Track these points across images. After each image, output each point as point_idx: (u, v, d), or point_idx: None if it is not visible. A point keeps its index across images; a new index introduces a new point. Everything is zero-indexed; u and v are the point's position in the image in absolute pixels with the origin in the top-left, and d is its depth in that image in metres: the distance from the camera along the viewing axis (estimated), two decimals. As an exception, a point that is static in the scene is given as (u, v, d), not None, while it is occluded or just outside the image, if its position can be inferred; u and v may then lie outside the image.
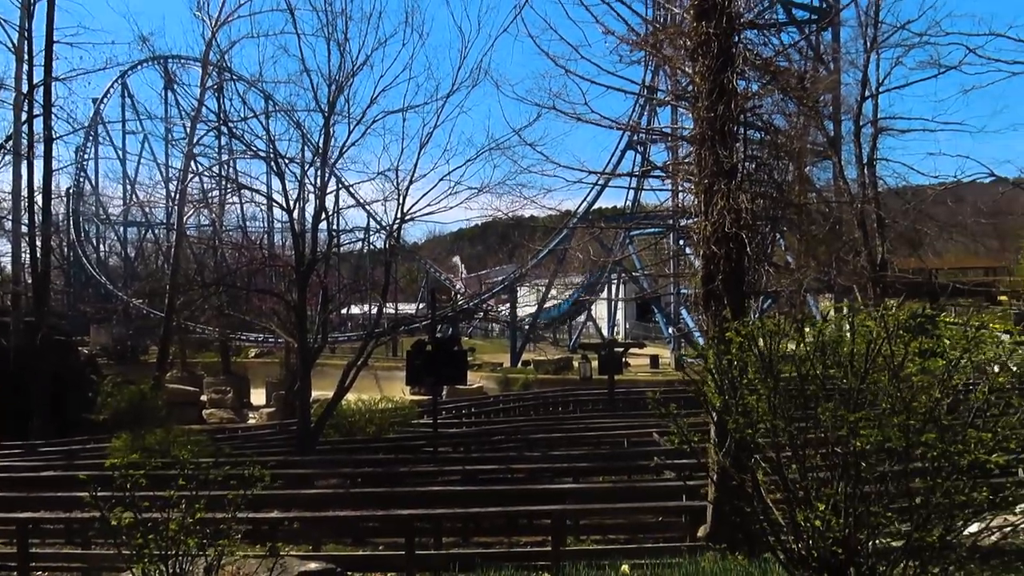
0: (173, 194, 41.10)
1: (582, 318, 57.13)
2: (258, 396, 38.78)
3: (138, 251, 63.23)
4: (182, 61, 42.75)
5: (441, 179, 19.52)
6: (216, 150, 32.28)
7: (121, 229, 63.62)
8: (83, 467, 13.15)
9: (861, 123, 22.95)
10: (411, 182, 19.11)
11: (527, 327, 51.33)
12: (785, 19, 29.78)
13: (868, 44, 22.59)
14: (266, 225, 50.30)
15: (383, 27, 19.10)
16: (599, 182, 31.80)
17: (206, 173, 29.33)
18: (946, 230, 23.76)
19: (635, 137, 36.89)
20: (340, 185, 26.70)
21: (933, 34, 20.96)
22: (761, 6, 15.20)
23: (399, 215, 19.40)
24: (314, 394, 20.50)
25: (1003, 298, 46.20)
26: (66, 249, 57.96)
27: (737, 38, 9.47)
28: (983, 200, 23.25)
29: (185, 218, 34.31)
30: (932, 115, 22.50)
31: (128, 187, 61.34)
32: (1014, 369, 5.46)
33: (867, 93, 22.90)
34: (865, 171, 22.85)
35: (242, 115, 21.72)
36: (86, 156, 59.12)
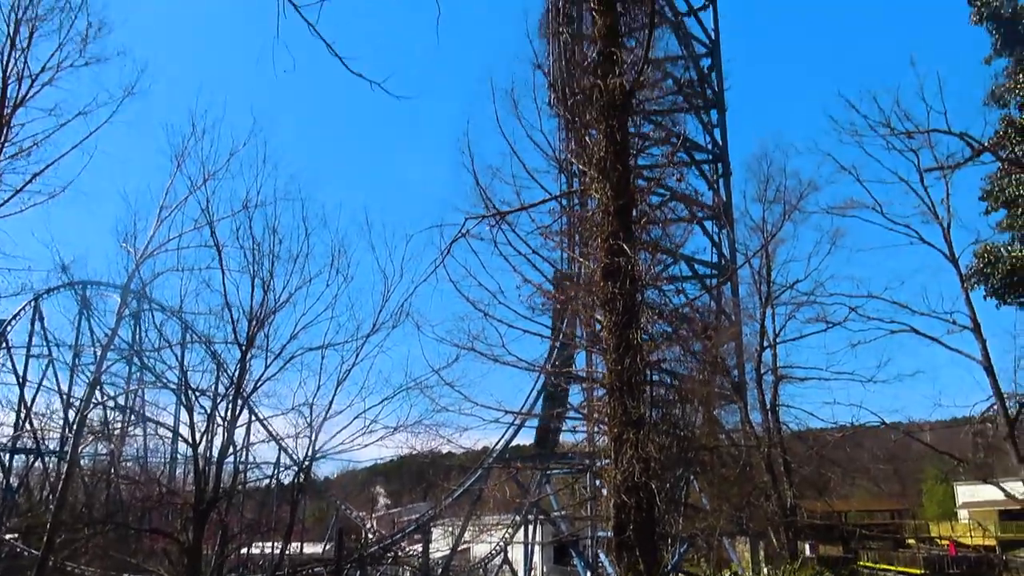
0: (71, 422, 39.09)
1: (498, 561, 54.63)
2: (135, 651, 34.55)
3: (22, 481, 58.51)
4: (101, 288, 42.54)
5: (356, 417, 19.39)
6: (124, 379, 31.39)
7: (6, 456, 59.24)
8: None
9: (762, 371, 24.28)
10: (325, 419, 18.93)
11: (440, 571, 48.57)
12: (689, 274, 32.33)
13: (763, 300, 24.59)
14: (168, 456, 47.76)
15: (309, 267, 19.78)
16: (516, 421, 31.98)
17: (110, 402, 28.26)
18: (848, 474, 24.57)
19: (551, 378, 37.81)
20: (252, 418, 26.08)
21: (819, 294, 23.19)
22: (664, 264, 16.56)
23: (311, 452, 18.98)
24: (200, 650, 18.55)
25: (911, 541, 46.88)
26: (-61, 478, 53.19)
27: (641, 297, 10.26)
28: (879, 446, 24.36)
29: (80, 448, 32.42)
30: (826, 365, 24.18)
31: (23, 412, 58.08)
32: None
33: (766, 343, 24.49)
34: (769, 416, 23.84)
35: (157, 345, 21.50)
36: (-19, 379, 56.30)
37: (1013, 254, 22.22)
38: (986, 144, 22.46)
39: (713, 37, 41.17)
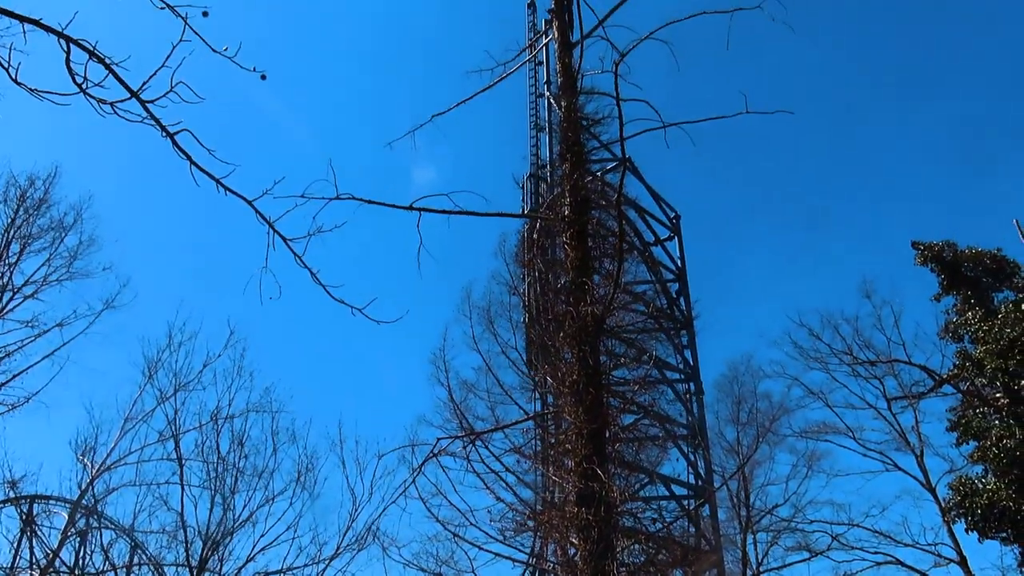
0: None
1: None
2: None
3: None
4: (49, 504, 40.30)
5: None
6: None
7: None
8: None
9: (753, 607, 23.04)
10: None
11: None
12: (666, 494, 31.45)
13: (743, 525, 23.89)
14: None
15: (274, 484, 19.01)
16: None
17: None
18: None
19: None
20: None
21: (799, 520, 22.68)
22: (640, 483, 16.16)
23: None
24: None
25: None
26: None
27: (616, 524, 9.89)
28: None
29: None
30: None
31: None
32: None
33: (749, 572, 23.46)
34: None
35: (101, 568, 20.05)
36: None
37: (989, 488, 21.85)
38: (946, 376, 23.14)
39: (680, 265, 43.24)
